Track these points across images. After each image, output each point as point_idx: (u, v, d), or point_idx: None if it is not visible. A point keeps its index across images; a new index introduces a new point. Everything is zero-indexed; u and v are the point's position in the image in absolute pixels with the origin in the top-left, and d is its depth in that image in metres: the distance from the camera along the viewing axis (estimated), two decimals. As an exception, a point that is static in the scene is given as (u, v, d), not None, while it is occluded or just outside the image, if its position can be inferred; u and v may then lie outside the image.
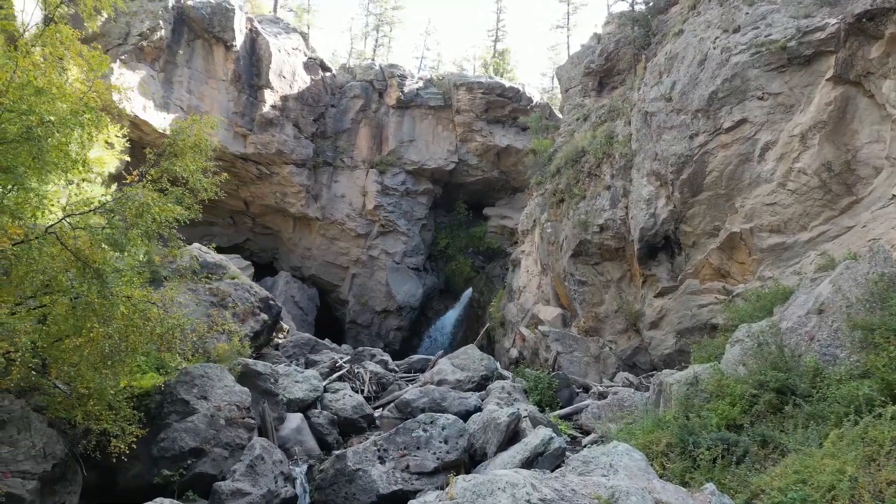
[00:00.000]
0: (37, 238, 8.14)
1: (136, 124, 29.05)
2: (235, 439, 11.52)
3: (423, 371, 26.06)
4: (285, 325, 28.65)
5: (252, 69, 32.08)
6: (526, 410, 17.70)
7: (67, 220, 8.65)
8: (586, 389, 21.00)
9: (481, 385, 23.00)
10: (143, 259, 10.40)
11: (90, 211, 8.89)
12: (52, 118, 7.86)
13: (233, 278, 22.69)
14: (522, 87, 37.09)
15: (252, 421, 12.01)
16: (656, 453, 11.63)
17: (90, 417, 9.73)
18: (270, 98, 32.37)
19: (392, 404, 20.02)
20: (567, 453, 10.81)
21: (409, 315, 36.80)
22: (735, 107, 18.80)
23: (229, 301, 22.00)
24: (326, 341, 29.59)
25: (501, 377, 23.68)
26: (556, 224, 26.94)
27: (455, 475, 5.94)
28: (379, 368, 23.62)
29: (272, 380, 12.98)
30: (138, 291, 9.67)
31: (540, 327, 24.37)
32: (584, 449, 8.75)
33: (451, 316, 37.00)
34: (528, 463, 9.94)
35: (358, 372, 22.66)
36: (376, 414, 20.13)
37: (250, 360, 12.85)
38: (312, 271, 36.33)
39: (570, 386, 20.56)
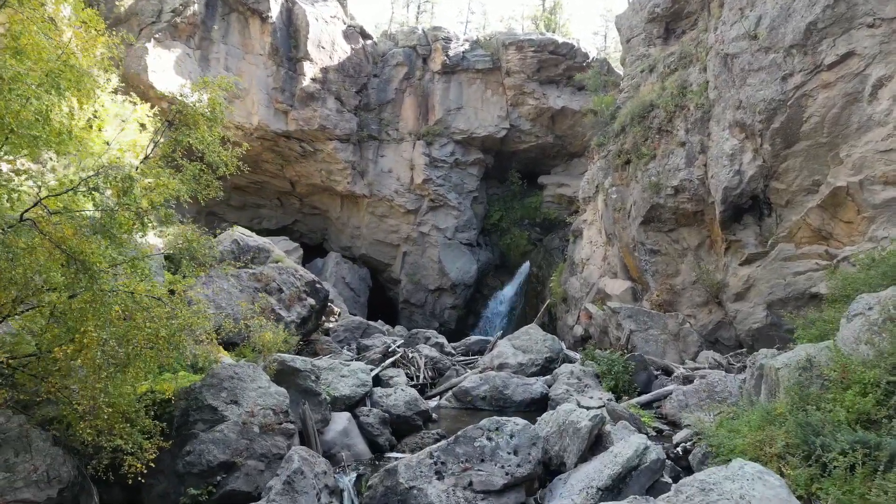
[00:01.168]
0: (10, 227, 6.67)
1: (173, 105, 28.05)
2: (272, 449, 10.04)
3: (481, 353, 24.33)
4: (336, 308, 27.40)
5: (290, 41, 30.52)
6: (600, 399, 15.72)
7: (53, 208, 7.15)
8: (666, 372, 18.78)
9: (546, 368, 21.10)
10: (143, 244, 8.86)
11: (67, 191, 7.36)
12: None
13: (277, 261, 21.39)
14: (577, 43, 34.24)
15: (291, 426, 10.50)
16: (770, 456, 9.54)
17: (100, 432, 8.38)
18: (310, 71, 30.80)
19: (450, 392, 18.39)
20: (666, 463, 8.85)
21: (463, 293, 35.09)
22: (839, 38, 15.90)
23: (274, 286, 20.74)
24: (379, 323, 28.23)
25: (568, 359, 21.71)
26: (623, 189, 24.46)
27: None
28: (434, 352, 22.01)
29: (313, 377, 11.45)
30: (142, 285, 8.13)
31: (608, 303, 22.15)
32: (701, 473, 6.74)
33: (508, 292, 35.08)
34: (619, 479, 8.03)
35: (412, 357, 21.12)
36: (433, 403, 18.55)
37: (287, 356, 11.34)
38: (363, 251, 35.00)
39: (648, 368, 18.39)
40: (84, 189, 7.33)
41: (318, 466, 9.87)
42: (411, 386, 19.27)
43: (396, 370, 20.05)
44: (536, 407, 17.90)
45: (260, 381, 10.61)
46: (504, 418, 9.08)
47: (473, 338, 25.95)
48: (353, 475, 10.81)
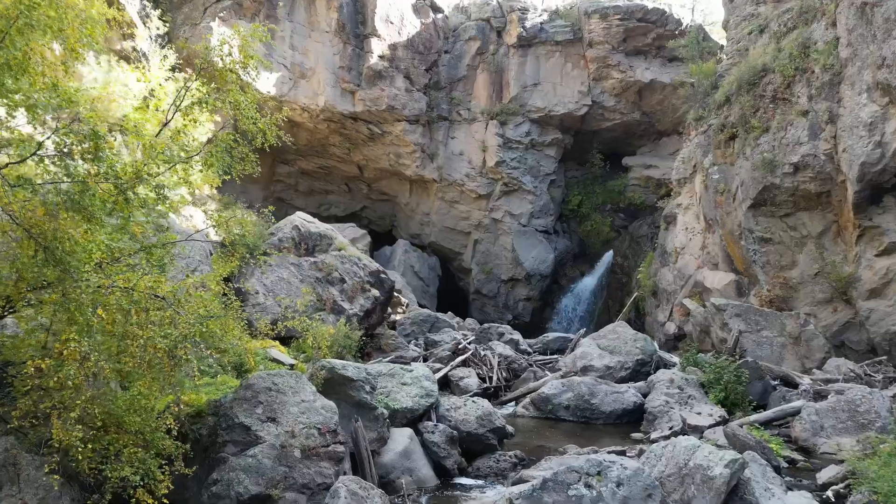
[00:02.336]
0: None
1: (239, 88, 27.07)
2: (316, 478, 8.26)
3: (560, 353, 21.96)
4: (403, 299, 25.73)
5: (356, 16, 28.89)
6: (710, 416, 13.17)
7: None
8: (786, 382, 15.89)
9: (636, 373, 18.54)
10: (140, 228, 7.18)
11: (27, 158, 5.70)
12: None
13: (340, 249, 19.84)
14: (668, 9, 30.86)
15: (340, 448, 8.70)
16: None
17: (104, 459, 6.84)
18: (378, 47, 29.08)
19: (527, 399, 16.27)
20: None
21: (539, 283, 32.68)
22: None
23: (336, 276, 19.20)
24: (448, 315, 26.34)
25: (663, 363, 19.04)
26: (727, 168, 21.36)
27: None
28: (509, 350, 19.92)
29: (368, 387, 9.61)
30: (146, 280, 6.43)
31: (712, 300, 19.28)
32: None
33: (588, 283, 32.36)
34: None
35: (485, 355, 19.11)
36: (507, 410, 16.48)
37: (337, 363, 9.54)
38: (432, 238, 33.20)
39: (764, 378, 15.59)
40: (53, 154, 5.70)
41: (370, 502, 8.01)
42: (483, 389, 17.30)
43: (467, 370, 18.12)
44: (628, 419, 15.53)
45: (304, 394, 8.85)
46: (608, 458, 6.88)
47: (552, 335, 23.63)
48: (415, 509, 8.92)
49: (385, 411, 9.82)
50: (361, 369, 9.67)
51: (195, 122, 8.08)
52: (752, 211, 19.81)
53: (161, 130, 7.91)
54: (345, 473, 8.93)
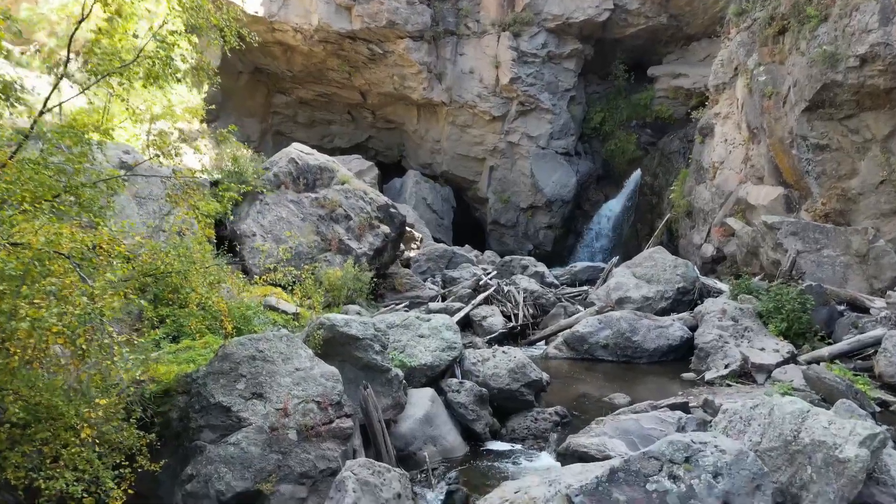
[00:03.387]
0: None
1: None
2: (319, 462, 6.68)
3: (591, 283, 20.21)
4: (417, 234, 23.90)
5: (346, -81, 25.74)
6: (776, 351, 11.41)
7: None
8: (853, 306, 14.00)
9: (678, 302, 16.74)
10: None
11: None
12: None
13: (343, 183, 17.88)
14: None
15: (346, 424, 7.08)
16: None
17: (39, 464, 5.25)
18: (372, -45, 26.06)
19: (560, 338, 14.61)
20: None
21: (560, 210, 30.59)
22: None
23: (340, 213, 17.34)
24: (466, 248, 24.55)
25: (707, 291, 17.22)
26: (775, 67, 18.73)
27: None
28: (534, 284, 18.17)
29: (377, 346, 7.89)
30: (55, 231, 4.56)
31: (764, 217, 17.18)
32: None
33: (614, 207, 30.20)
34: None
35: (508, 291, 17.39)
36: (537, 351, 14.88)
37: (339, 318, 7.79)
38: (444, 167, 30.99)
39: (830, 303, 13.70)
40: None
41: (386, 489, 6.42)
42: (509, 328, 15.67)
43: (490, 308, 16.46)
44: (674, 356, 13.87)
45: (298, 360, 7.16)
46: (697, 438, 5.12)
47: (580, 264, 21.82)
48: (443, 489, 7.35)
49: (400, 372, 8.14)
50: (368, 324, 7.93)
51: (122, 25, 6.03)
52: (806, 114, 17.37)
53: (76, 29, 5.87)
54: (354, 452, 7.36)
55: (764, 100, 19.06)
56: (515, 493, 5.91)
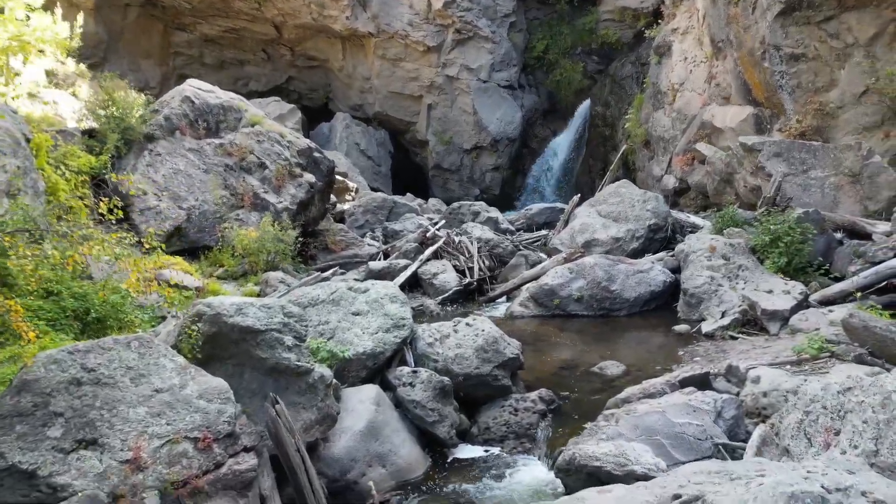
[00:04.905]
0: None
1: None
2: (199, 536, 4.23)
3: (549, 227, 18.11)
4: (351, 184, 21.10)
5: None
6: (787, 293, 9.57)
7: None
8: (851, 233, 12.34)
9: (651, 241, 14.83)
10: None
11: None
12: None
13: (254, 124, 14.87)
14: None
15: (245, 463, 4.65)
16: None
17: None
18: None
19: (525, 293, 12.45)
20: None
21: (507, 150, 28.22)
22: None
23: (252, 161, 14.39)
24: (408, 197, 21.96)
25: (680, 226, 15.40)
26: (744, -32, 16.56)
27: None
28: (488, 232, 15.90)
29: (289, 339, 5.40)
30: None
31: (741, 139, 15.28)
32: None
33: (563, 142, 28.06)
34: None
35: (460, 242, 15.05)
36: (499, 310, 12.74)
37: (225, 305, 5.21)
38: (377, 108, 27.92)
39: (827, 231, 11.99)
40: None
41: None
42: (465, 285, 13.41)
43: (440, 263, 14.13)
44: (656, 304, 11.99)
45: (159, 376, 4.61)
46: (833, 480, 2.96)
47: (537, 206, 19.64)
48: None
49: (326, 371, 5.69)
50: (273, 309, 5.40)
51: None
52: (780, 20, 15.35)
53: None
54: (263, 501, 4.94)
55: (730, 7, 16.94)
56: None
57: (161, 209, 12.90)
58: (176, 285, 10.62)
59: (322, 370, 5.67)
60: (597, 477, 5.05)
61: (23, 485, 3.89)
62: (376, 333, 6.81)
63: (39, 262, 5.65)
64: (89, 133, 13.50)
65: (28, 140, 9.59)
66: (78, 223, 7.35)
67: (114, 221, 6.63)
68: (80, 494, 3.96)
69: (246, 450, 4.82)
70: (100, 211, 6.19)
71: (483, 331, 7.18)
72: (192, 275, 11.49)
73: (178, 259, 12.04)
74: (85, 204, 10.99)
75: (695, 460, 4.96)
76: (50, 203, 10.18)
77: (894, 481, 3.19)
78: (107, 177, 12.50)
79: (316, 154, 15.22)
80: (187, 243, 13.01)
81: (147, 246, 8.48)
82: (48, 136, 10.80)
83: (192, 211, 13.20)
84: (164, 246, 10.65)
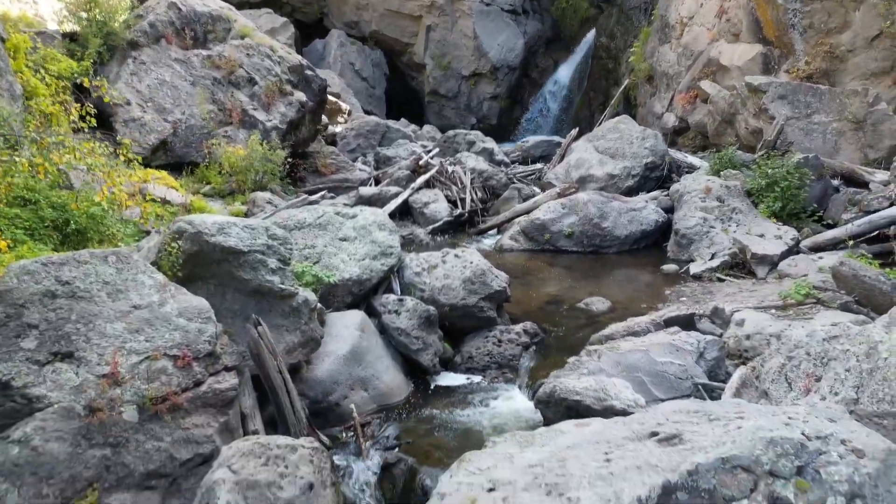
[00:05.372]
0: None
1: None
2: (178, 450, 4.28)
3: (545, 160, 17.83)
4: (344, 105, 20.54)
5: None
6: (779, 238, 9.55)
7: None
8: (848, 181, 12.22)
9: (646, 180, 14.67)
10: None
11: None
12: None
13: (243, 36, 14.23)
14: None
15: (225, 382, 4.65)
16: None
17: None
18: None
19: (516, 226, 12.36)
20: None
21: (506, 78, 27.47)
22: None
23: (241, 75, 13.86)
24: (402, 123, 21.47)
25: (676, 166, 15.20)
26: None
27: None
28: (482, 163, 15.63)
29: (273, 261, 5.28)
30: None
31: (747, 79, 14.85)
32: None
33: (565, 74, 27.34)
34: None
35: (453, 171, 14.80)
36: (489, 241, 12.68)
37: (207, 223, 5.03)
38: (373, 26, 26.85)
39: (825, 177, 11.85)
40: None
41: (288, 484, 4.16)
42: (455, 216, 13.28)
43: (432, 192, 13.93)
44: (646, 244, 11.96)
45: (137, 293, 4.50)
46: (815, 427, 2.95)
47: (533, 139, 19.26)
48: (378, 455, 5.17)
49: (311, 295, 5.61)
50: (257, 230, 5.25)
51: None
52: (800, -47, 14.65)
53: None
54: (244, 419, 4.97)
55: (750, -63, 16.11)
56: (490, 490, 3.71)
57: (146, 121, 12.47)
58: (160, 200, 10.42)
59: (306, 294, 5.59)
60: (576, 410, 5.10)
61: (-4, 394, 3.84)
62: (363, 260, 6.71)
63: (9, 169, 5.41)
64: (70, 36, 12.87)
65: (3, 40, 9.09)
66: (54, 131, 7.04)
67: (86, 129, 6.31)
68: (55, 406, 3.92)
69: (227, 369, 4.79)
70: (72, 117, 5.88)
71: (471, 262, 7.10)
72: (177, 190, 11.24)
73: (164, 174, 11.74)
74: (65, 109, 10.58)
75: (674, 398, 5.01)
76: (28, 110, 9.78)
77: (874, 430, 3.19)
78: (91, 82, 11.98)
79: (308, 72, 14.65)
80: (173, 158, 12.68)
81: (123, 157, 8.24)
82: (26, 36, 10.25)
83: (179, 125, 12.78)
84: (140, 158, 10.36)
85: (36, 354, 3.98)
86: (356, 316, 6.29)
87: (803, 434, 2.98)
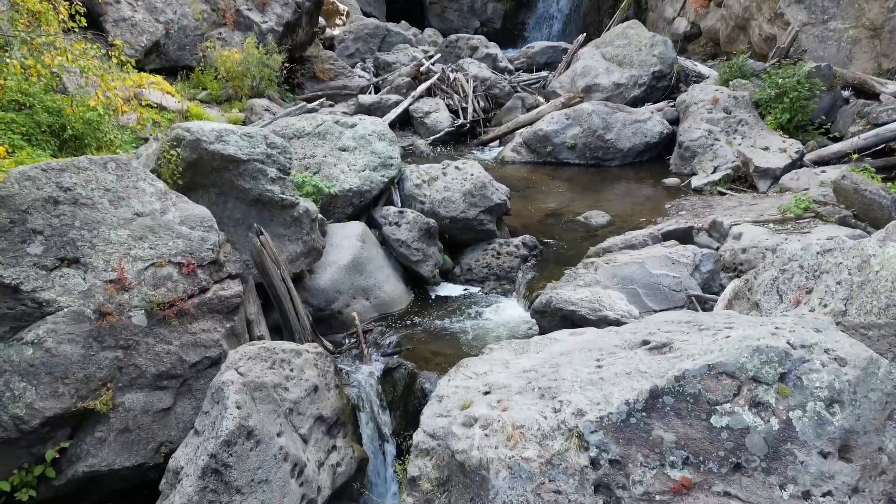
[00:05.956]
0: None
1: None
2: (187, 353, 4.47)
3: (551, 68, 17.28)
4: (341, 6, 19.68)
5: None
6: (783, 151, 9.46)
7: None
8: (859, 91, 11.90)
9: (652, 90, 14.30)
10: None
11: None
12: None
13: (234, -69, 13.38)
14: None
15: (230, 289, 4.77)
16: None
17: None
18: None
19: (518, 138, 12.20)
20: None
21: (512, -23, 26.11)
22: None
23: (234, -27, 13.17)
24: (402, 26, 20.65)
25: (685, 75, 14.75)
26: None
27: None
28: (485, 70, 15.20)
29: (273, 170, 5.25)
30: None
31: (765, -19, 14.10)
32: None
33: (574, -26, 25.91)
34: None
35: (455, 79, 14.43)
36: (491, 153, 12.54)
37: (205, 130, 4.95)
38: (372, -81, 25.20)
39: (835, 88, 11.55)
40: None
41: (294, 386, 4.40)
42: (457, 126, 13.06)
43: (433, 101, 13.64)
44: (649, 156, 11.86)
45: (139, 200, 4.52)
46: (800, 337, 3.03)
47: (538, 44, 18.56)
48: (378, 363, 5.39)
49: (311, 205, 5.62)
50: (256, 139, 5.18)
51: None
52: None
53: None
54: (249, 325, 5.14)
55: None
56: (486, 394, 3.89)
57: (136, 21, 11.99)
58: (157, 106, 10.22)
59: (307, 204, 5.61)
60: (571, 320, 5.25)
61: (7, 298, 3.94)
62: (363, 171, 6.67)
63: (1, 71, 5.27)
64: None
65: (-21, -69, 8.55)
66: (44, 30, 6.79)
67: (77, 30, 6.10)
68: (65, 310, 4.04)
69: (231, 277, 4.89)
70: (61, 17, 5.66)
71: (472, 175, 7.06)
72: (173, 96, 10.98)
73: (159, 78, 11.41)
74: (54, 7, 10.15)
75: (667, 310, 5.15)
76: (15, 8, 9.37)
77: (857, 340, 3.31)
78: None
79: (304, -31, 13.90)
80: (167, 62, 12.30)
81: (115, 59, 7.98)
82: (4, -73, 9.64)
83: (171, 25, 12.30)
84: (133, 61, 10.05)
85: (42, 260, 4.06)
86: (357, 227, 6.34)
87: (788, 343, 3.09)
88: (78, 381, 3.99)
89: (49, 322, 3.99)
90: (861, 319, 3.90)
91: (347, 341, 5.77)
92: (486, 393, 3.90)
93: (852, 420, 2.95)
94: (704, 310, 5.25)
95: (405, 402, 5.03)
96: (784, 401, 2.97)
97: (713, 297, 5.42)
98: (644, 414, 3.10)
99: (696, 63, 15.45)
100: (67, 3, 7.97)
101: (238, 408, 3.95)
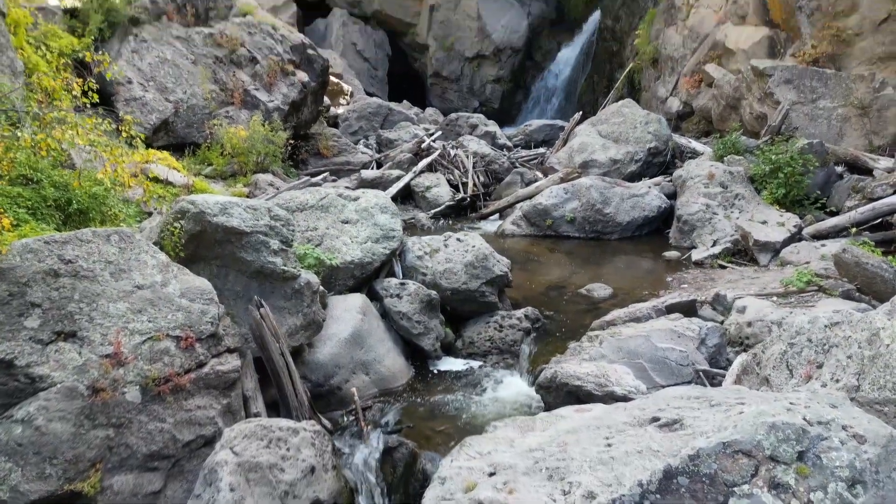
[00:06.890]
0: None
1: None
2: (181, 431, 4.31)
3: (548, 145, 17.73)
4: (346, 87, 20.41)
5: None
6: (781, 225, 9.53)
7: None
8: (852, 167, 12.16)
9: (649, 166, 14.59)
10: None
11: None
12: None
13: (245, 14, 14.09)
14: None
15: (228, 364, 4.66)
16: None
17: None
18: None
19: (518, 211, 12.33)
20: None
21: (510, 60, 27.26)
22: None
23: (243, 54, 13.74)
24: (404, 105, 21.34)
25: (680, 151, 15.11)
26: None
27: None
28: (485, 147, 15.55)
29: (275, 242, 5.27)
30: None
31: (753, 62, 14.70)
32: None
33: (569, 56, 27.07)
34: None
35: (455, 155, 14.74)
36: (491, 227, 12.64)
37: (209, 203, 5.01)
38: (376, 6, 26.58)
39: (829, 164, 11.81)
40: None
41: (290, 467, 4.21)
42: (457, 200, 13.25)
43: (434, 176, 13.89)
44: (648, 230, 11.92)
45: (140, 273, 4.50)
46: (816, 413, 2.94)
47: (536, 122, 19.12)
48: (379, 439, 5.20)
49: (313, 277, 5.61)
50: (259, 211, 5.23)
51: None
52: (810, -65, 14.44)
53: None
54: (246, 402, 4.99)
55: (759, -82, 15.87)
56: (491, 475, 3.73)
57: (147, 100, 12.39)
58: (163, 181, 10.40)
59: (308, 276, 5.59)
60: (576, 396, 5.12)
61: (1, 373, 3.85)
62: (365, 243, 6.70)
63: (11, 145, 5.38)
64: (71, 12, 12.73)
65: (4, 15, 9.00)
66: (56, 107, 7.00)
67: (89, 106, 6.27)
68: (59, 386, 3.93)
69: (229, 351, 4.80)
70: (74, 93, 5.83)
71: (473, 247, 7.09)
72: (179, 171, 11.19)
73: (166, 154, 11.69)
74: (66, 88, 10.52)
75: (675, 385, 5.03)
76: (29, 86, 9.71)
77: (875, 416, 3.20)
78: (94, 57, 11.89)
79: (310, 51, 14.53)
80: (175, 139, 12.62)
81: (125, 134, 8.18)
82: (27, 11, 10.15)
83: (180, 104, 12.71)
84: (143, 136, 10.32)
85: (39, 333, 3.99)
86: (358, 299, 6.30)
87: (805, 419, 2.99)
88: (66, 461, 3.84)
89: (41, 399, 3.87)
90: (875, 395, 3.80)
91: (346, 419, 5.60)
92: (492, 474, 3.75)
93: (876, 501, 2.80)
94: (713, 385, 5.12)
95: (406, 485, 4.82)
96: (804, 481, 2.84)
97: (721, 371, 5.31)
98: (658, 496, 2.96)
99: (690, 140, 15.85)
100: (81, 80, 8.27)
101: (231, 490, 3.78)
